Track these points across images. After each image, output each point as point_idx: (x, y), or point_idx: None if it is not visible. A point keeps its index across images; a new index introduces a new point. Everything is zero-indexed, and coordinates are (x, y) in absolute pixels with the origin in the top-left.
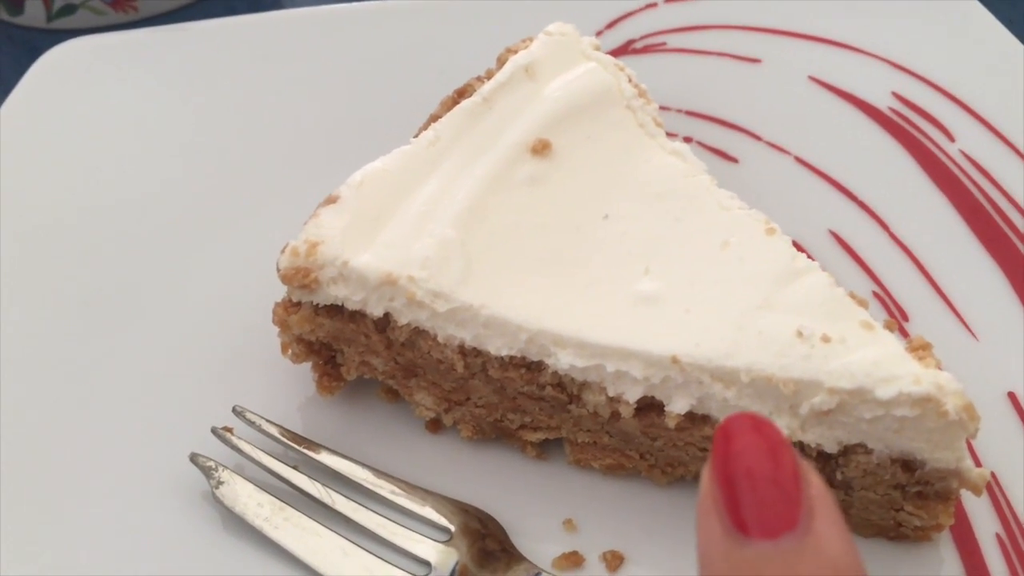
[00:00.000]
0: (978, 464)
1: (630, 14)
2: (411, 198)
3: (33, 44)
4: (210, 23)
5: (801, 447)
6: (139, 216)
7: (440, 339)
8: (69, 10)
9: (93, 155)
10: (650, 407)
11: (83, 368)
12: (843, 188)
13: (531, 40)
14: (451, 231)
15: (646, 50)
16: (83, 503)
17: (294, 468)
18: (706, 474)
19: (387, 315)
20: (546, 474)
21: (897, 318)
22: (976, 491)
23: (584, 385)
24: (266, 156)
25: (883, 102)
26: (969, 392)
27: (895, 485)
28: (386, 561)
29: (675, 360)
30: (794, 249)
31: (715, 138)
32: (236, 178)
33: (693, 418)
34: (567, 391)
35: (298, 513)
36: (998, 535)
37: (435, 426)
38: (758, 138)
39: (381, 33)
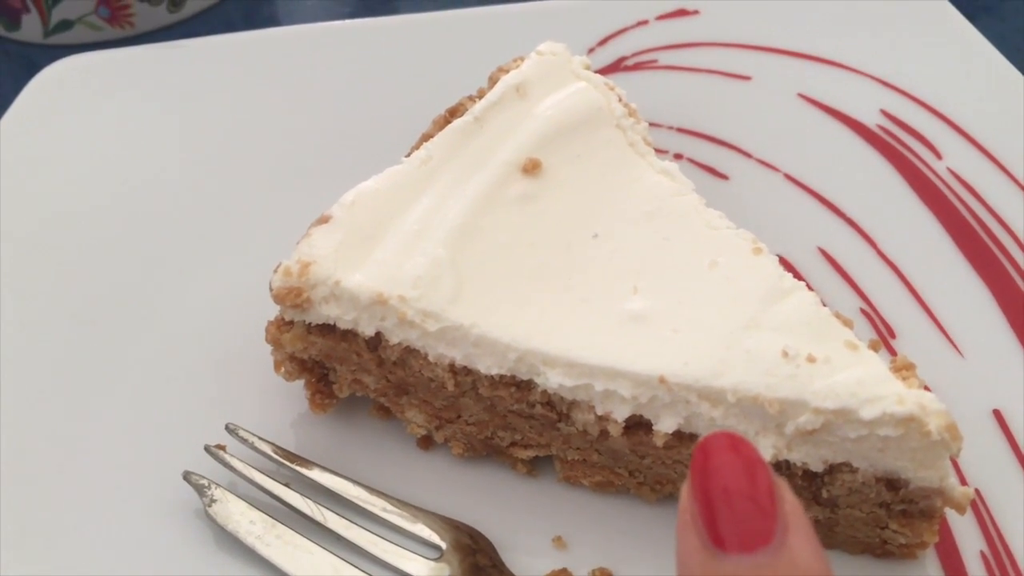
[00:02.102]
0: (963, 482)
1: (621, 31)
2: (403, 217)
3: (30, 59)
4: (206, 40)
5: (787, 466)
6: (133, 233)
7: (431, 358)
8: (66, 25)
9: (89, 171)
10: (638, 426)
11: (76, 386)
12: (832, 205)
13: (522, 60)
14: (442, 250)
15: (637, 67)
16: (76, 520)
17: (286, 486)
18: (685, 491)
19: (379, 334)
20: (536, 491)
21: (884, 335)
22: (960, 509)
23: (573, 404)
24: (259, 175)
25: (871, 120)
26: (954, 409)
27: (880, 503)
28: None
29: (663, 380)
30: (781, 269)
31: (705, 155)
32: (229, 197)
33: (681, 437)
34: (556, 409)
35: (290, 531)
36: (982, 552)
37: (426, 443)
38: (748, 155)
39: (374, 52)
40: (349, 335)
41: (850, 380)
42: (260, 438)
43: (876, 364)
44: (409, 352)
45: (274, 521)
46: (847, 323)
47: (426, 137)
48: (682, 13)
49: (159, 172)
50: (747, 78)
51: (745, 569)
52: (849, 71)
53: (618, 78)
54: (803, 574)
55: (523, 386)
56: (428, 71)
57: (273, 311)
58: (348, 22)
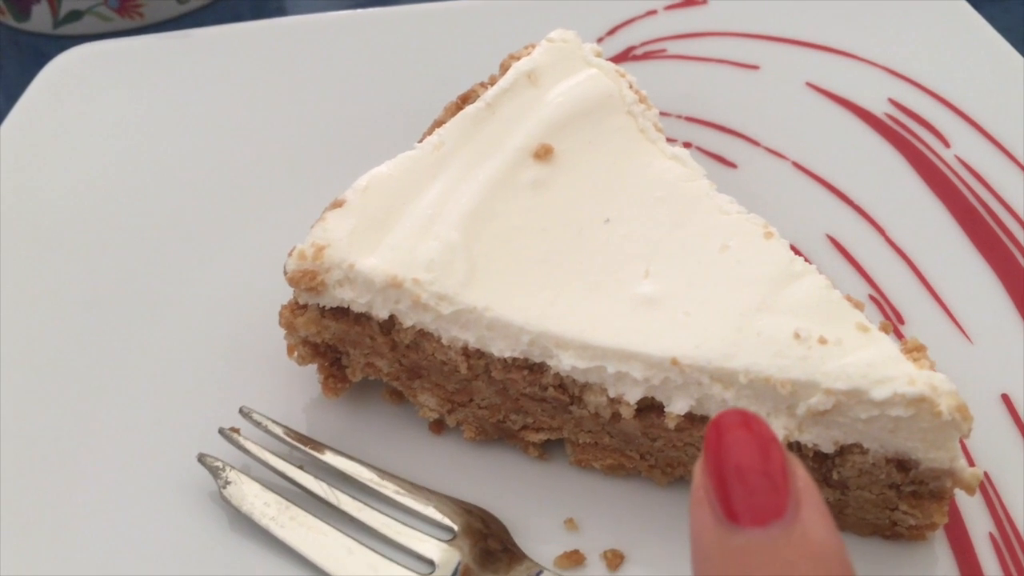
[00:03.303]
0: (972, 464)
1: (630, 21)
2: (416, 202)
3: (40, 50)
4: (215, 29)
5: (798, 447)
6: (146, 220)
7: (444, 341)
8: (75, 16)
9: (100, 160)
10: (650, 408)
11: (92, 370)
12: (840, 193)
13: (533, 47)
14: (455, 234)
15: (646, 56)
16: (91, 503)
17: (300, 468)
18: (699, 467)
19: (392, 317)
20: (548, 474)
21: (893, 321)
22: (969, 491)
23: (585, 386)
24: (272, 161)
25: (880, 108)
26: (963, 394)
27: (890, 485)
28: (390, 560)
29: (675, 362)
30: (792, 253)
31: (714, 143)
32: (243, 182)
33: (692, 419)
34: (569, 392)
35: (304, 512)
36: (991, 534)
37: (438, 427)
38: (756, 143)
39: (386, 39)
40: (363, 319)
41: (861, 361)
42: (274, 421)
43: (887, 345)
44: (422, 335)
45: (288, 503)
46: (858, 306)
47: (438, 123)
48: (690, 3)
49: (171, 160)
50: (755, 67)
51: (758, 543)
52: (857, 60)
53: (627, 67)
54: (815, 547)
55: (536, 369)
56: (440, 59)
57: (287, 295)
58: (359, 11)
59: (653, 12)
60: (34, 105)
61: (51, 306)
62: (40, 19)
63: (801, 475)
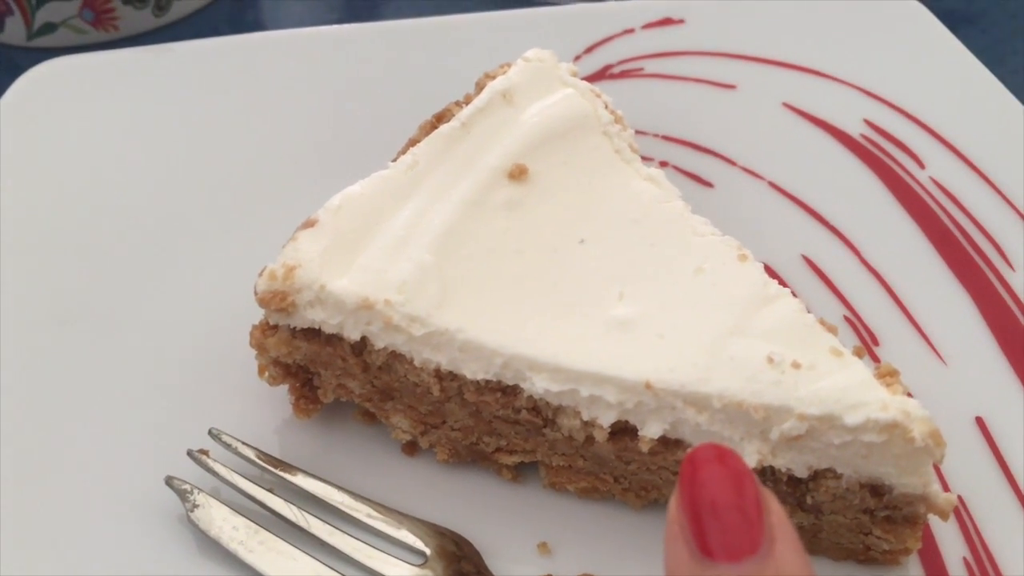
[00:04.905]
0: (946, 488)
1: (608, 39)
2: (389, 222)
3: (13, 62)
4: (192, 44)
5: (771, 472)
6: (117, 236)
7: (416, 363)
8: (50, 28)
9: (72, 175)
10: (624, 431)
11: (58, 390)
12: (816, 213)
13: (509, 66)
14: (428, 255)
15: (623, 75)
16: (56, 526)
17: (270, 491)
18: (673, 502)
19: (364, 339)
20: (521, 497)
21: (867, 342)
22: (943, 516)
23: (559, 409)
24: (244, 179)
25: (855, 129)
26: (937, 416)
27: (864, 509)
28: None
29: (648, 385)
30: (766, 275)
31: (690, 163)
32: (214, 200)
33: (666, 442)
34: (542, 415)
35: (273, 536)
36: (965, 559)
37: (411, 449)
38: (733, 163)
39: (360, 57)
40: (334, 340)
41: (834, 386)
42: (244, 443)
43: (860, 371)
44: (394, 357)
45: (257, 527)
46: (831, 330)
47: (413, 142)
48: (668, 22)
49: (143, 175)
50: (732, 87)
51: None
52: (833, 81)
53: (604, 86)
54: None
55: (509, 391)
56: (415, 77)
57: (258, 315)
58: (335, 27)
59: (631, 31)
60: (5, 118)
61: (15, 322)
62: (13, 31)
63: (775, 510)
